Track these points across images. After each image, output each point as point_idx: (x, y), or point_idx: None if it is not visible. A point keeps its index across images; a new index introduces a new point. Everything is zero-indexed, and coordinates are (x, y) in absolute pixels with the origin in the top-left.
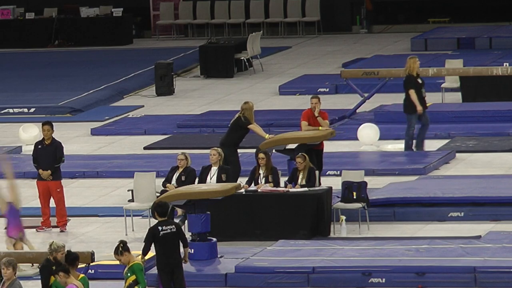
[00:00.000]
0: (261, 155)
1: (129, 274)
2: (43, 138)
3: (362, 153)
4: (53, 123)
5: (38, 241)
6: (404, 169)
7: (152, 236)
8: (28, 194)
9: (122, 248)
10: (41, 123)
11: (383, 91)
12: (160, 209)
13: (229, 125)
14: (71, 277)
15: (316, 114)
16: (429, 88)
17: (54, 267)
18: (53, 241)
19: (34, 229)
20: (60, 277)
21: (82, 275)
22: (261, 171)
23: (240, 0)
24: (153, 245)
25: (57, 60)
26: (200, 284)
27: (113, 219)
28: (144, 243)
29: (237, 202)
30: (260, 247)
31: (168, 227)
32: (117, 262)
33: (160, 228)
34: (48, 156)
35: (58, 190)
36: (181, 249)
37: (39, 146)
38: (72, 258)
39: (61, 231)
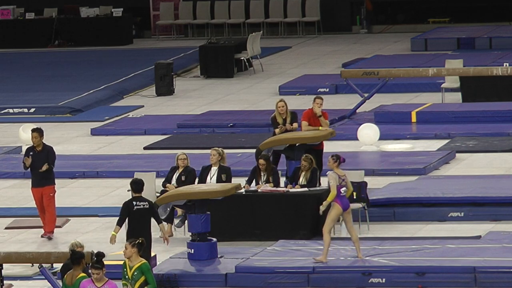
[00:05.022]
0: (261, 161)
1: (135, 273)
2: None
3: (362, 153)
4: (53, 123)
5: (39, 241)
6: (404, 169)
7: (126, 210)
8: (28, 194)
9: (138, 244)
10: (41, 124)
11: (383, 91)
12: (135, 185)
13: None
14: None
15: (319, 114)
16: (429, 88)
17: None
18: (74, 241)
19: (34, 229)
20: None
21: (82, 274)
22: (261, 174)
23: (240, 0)
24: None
25: (57, 60)
26: (200, 284)
27: (113, 219)
28: (119, 216)
29: (237, 202)
30: (260, 247)
31: (142, 203)
32: (117, 263)
33: (134, 203)
34: (41, 162)
35: (51, 194)
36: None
37: (31, 153)
38: (77, 257)
39: (49, 238)
